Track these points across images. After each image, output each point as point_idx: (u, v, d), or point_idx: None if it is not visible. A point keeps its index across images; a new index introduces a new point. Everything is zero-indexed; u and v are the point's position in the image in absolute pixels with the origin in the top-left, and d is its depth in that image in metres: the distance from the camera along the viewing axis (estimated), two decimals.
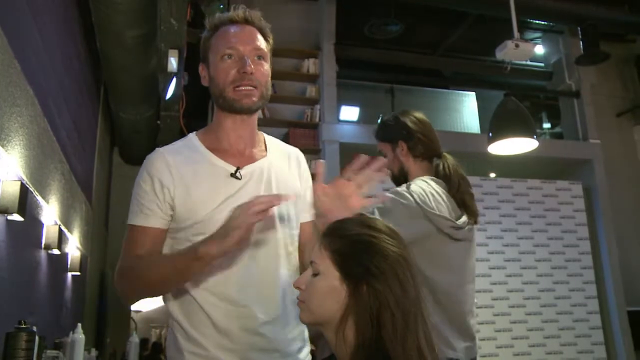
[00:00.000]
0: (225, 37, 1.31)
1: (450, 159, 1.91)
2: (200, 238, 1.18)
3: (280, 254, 1.30)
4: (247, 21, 1.33)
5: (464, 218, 1.80)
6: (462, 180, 1.85)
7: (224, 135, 1.33)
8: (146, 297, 1.31)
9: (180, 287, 1.24)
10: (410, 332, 0.92)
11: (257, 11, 1.36)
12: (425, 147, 1.91)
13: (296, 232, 1.36)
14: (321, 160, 1.27)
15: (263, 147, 1.40)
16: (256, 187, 1.29)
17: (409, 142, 1.91)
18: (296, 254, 1.36)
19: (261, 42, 1.33)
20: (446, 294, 1.72)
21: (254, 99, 1.29)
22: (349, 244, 0.99)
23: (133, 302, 1.27)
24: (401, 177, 1.94)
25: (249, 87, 1.28)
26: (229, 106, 1.30)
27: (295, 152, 1.47)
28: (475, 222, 1.85)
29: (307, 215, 1.39)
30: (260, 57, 1.31)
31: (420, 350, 0.92)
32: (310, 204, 1.40)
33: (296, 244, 1.36)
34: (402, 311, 0.93)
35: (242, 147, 1.34)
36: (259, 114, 1.40)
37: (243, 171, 1.29)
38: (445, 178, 1.84)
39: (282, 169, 1.38)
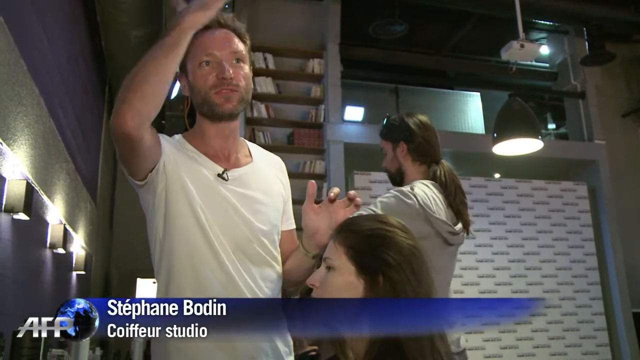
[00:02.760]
0: (200, 44, 1.28)
1: (447, 166, 1.93)
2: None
3: (267, 259, 1.31)
4: (220, 24, 1.31)
5: (460, 225, 1.84)
6: (458, 190, 1.88)
7: (209, 142, 1.33)
8: (143, 100, 1.11)
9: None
10: None
11: (230, 13, 1.34)
12: (425, 151, 1.93)
13: (277, 238, 1.37)
14: (312, 181, 1.27)
15: (247, 153, 1.40)
16: (243, 191, 1.30)
17: (409, 145, 1.94)
18: (279, 258, 1.36)
19: (238, 45, 1.30)
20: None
21: (234, 103, 1.28)
22: (364, 239, 1.01)
23: (132, 115, 1.10)
24: (397, 177, 1.98)
25: (229, 91, 1.27)
26: (211, 112, 1.29)
27: (279, 161, 1.48)
28: (468, 232, 1.88)
29: (288, 224, 1.42)
30: (239, 59, 1.29)
31: (432, 342, 0.93)
32: (291, 214, 1.44)
33: (278, 248, 1.37)
34: None
35: (227, 153, 1.34)
36: (242, 116, 1.40)
37: (230, 174, 1.30)
38: (442, 185, 1.87)
39: (267, 175, 1.39)
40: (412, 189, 1.79)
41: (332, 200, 1.22)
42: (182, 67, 1.33)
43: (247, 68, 1.31)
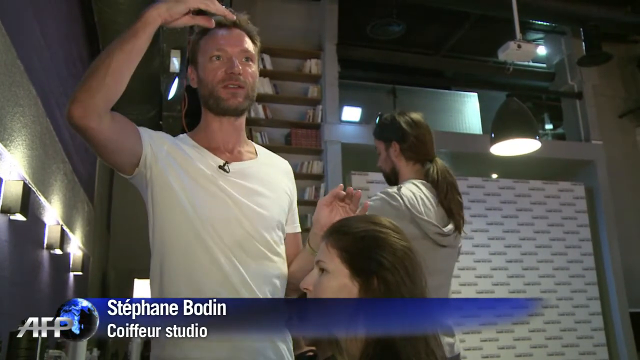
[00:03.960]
0: (213, 39, 1.32)
1: (441, 164, 1.89)
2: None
3: (268, 255, 1.30)
4: (235, 24, 1.34)
5: (451, 225, 1.79)
6: (450, 187, 1.84)
7: (212, 136, 1.35)
8: (88, 92, 1.11)
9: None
10: None
11: (244, 14, 1.36)
12: (418, 150, 1.90)
13: (282, 234, 1.37)
14: (341, 184, 1.28)
15: (253, 150, 1.41)
16: (245, 183, 1.30)
17: (402, 144, 1.91)
18: (282, 256, 1.35)
19: (249, 45, 1.34)
20: None
21: (240, 99, 1.31)
22: (357, 240, 1.00)
23: (76, 107, 1.10)
24: (392, 177, 1.95)
25: (237, 87, 1.30)
26: (217, 106, 1.31)
27: (286, 164, 1.48)
28: (460, 232, 1.84)
29: (293, 227, 1.43)
30: (248, 58, 1.33)
31: (427, 344, 0.93)
32: (297, 217, 1.44)
33: (283, 247, 1.36)
34: None
35: (230, 146, 1.36)
36: (246, 115, 1.40)
37: (232, 166, 1.31)
38: (434, 183, 1.83)
39: (271, 172, 1.39)
40: (398, 189, 1.76)
41: (349, 196, 1.24)
42: (193, 61, 1.36)
43: (254, 67, 1.34)
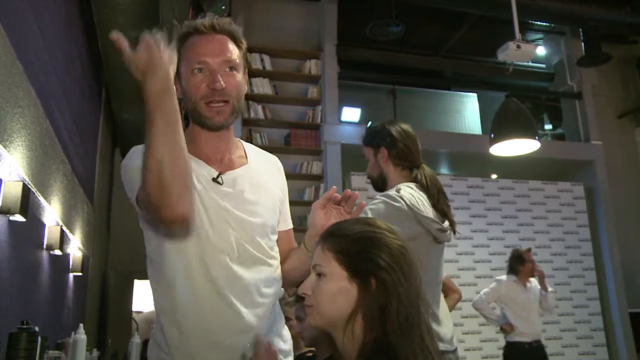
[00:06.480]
0: (194, 49, 1.26)
1: (428, 170, 1.98)
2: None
3: (264, 260, 1.30)
4: (214, 29, 1.27)
5: (447, 223, 1.89)
6: (440, 193, 1.93)
7: (200, 147, 1.31)
8: (181, 190, 1.06)
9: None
10: (414, 321, 0.95)
11: (226, 17, 1.33)
12: (405, 156, 1.98)
13: (274, 237, 1.36)
14: (335, 187, 1.27)
15: (243, 154, 1.39)
16: (237, 193, 1.29)
17: (390, 150, 1.99)
18: (277, 258, 1.35)
19: (232, 52, 1.27)
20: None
21: (225, 116, 1.26)
22: (353, 242, 1.01)
23: (183, 205, 1.04)
24: (380, 182, 2.04)
25: (220, 104, 1.25)
26: (201, 122, 1.28)
27: (276, 161, 1.47)
28: (454, 231, 1.93)
29: (285, 224, 1.42)
30: (232, 68, 1.26)
31: (422, 340, 0.93)
32: (288, 214, 1.44)
33: (277, 248, 1.36)
34: (408, 301, 0.95)
35: (219, 156, 1.32)
36: (238, 123, 1.38)
37: (225, 177, 1.28)
38: (424, 188, 1.91)
39: (263, 175, 1.37)
40: (398, 191, 1.84)
41: (345, 199, 1.23)
42: (176, 70, 1.33)
43: (239, 76, 1.29)
